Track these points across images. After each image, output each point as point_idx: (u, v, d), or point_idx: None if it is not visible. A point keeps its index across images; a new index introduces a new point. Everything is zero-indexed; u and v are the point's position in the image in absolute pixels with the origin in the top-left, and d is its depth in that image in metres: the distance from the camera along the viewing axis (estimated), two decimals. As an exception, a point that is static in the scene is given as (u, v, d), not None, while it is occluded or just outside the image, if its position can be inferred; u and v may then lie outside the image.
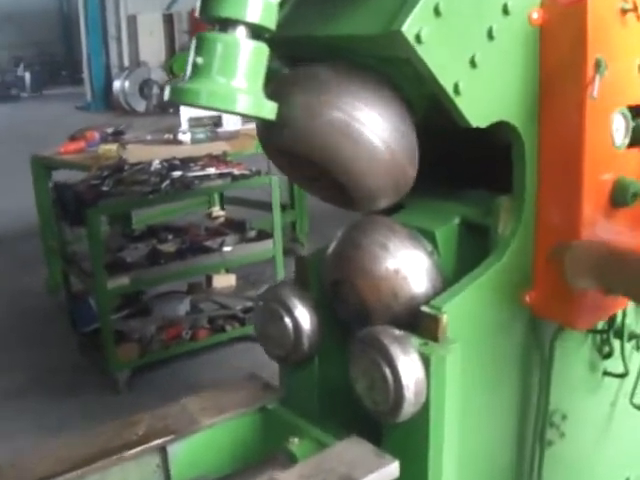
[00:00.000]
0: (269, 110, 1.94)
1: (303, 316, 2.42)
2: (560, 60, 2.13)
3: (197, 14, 1.90)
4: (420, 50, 1.88)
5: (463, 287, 2.19)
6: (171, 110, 13.29)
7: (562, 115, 2.16)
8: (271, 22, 1.92)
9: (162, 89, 14.64)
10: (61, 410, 4.69)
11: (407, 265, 2.23)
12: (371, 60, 2.13)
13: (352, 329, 2.36)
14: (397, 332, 2.11)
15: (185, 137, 6.08)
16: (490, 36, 2.00)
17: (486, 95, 2.06)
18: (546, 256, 2.28)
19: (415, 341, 2.11)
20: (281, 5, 2.11)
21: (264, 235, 5.29)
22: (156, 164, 5.14)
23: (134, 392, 4.87)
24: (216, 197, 6.43)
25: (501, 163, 2.30)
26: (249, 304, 5.40)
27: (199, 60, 1.85)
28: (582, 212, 2.20)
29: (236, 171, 5.06)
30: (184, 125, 6.36)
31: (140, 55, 18.68)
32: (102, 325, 4.80)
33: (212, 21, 1.91)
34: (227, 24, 1.88)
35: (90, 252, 4.62)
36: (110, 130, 6.36)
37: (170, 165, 5.17)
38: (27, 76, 24.64)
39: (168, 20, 19.13)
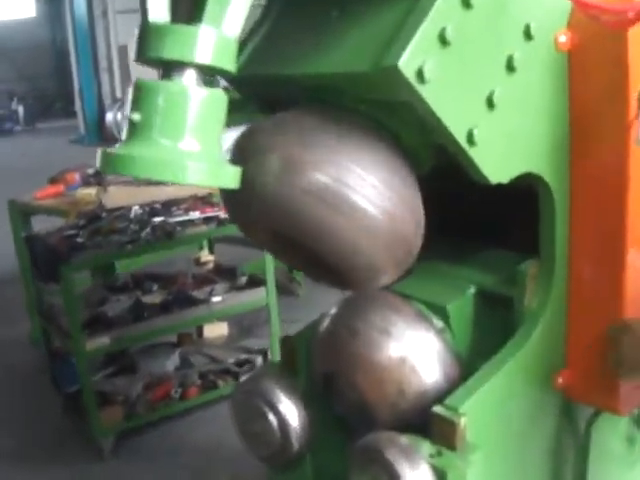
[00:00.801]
0: (230, 177, 1.50)
1: (290, 411, 2.01)
2: (594, 93, 1.74)
3: (134, 57, 1.48)
4: (423, 91, 1.45)
5: (483, 379, 1.77)
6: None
7: (599, 161, 1.77)
8: (228, 62, 1.49)
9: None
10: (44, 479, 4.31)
11: (414, 352, 1.81)
12: (361, 104, 1.71)
13: (350, 426, 1.95)
14: (403, 441, 1.69)
15: (170, 176, 5.68)
16: (510, 67, 1.59)
17: (507, 142, 1.64)
18: (592, 337, 1.87)
19: (426, 450, 1.69)
20: (249, 37, 1.72)
21: (256, 281, 4.86)
22: (136, 209, 4.72)
23: (121, 458, 4.44)
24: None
25: (524, 215, 1.89)
26: (243, 356, 5.01)
27: (135, 117, 1.42)
28: (625, 276, 1.82)
29: (222, 214, 4.63)
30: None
31: (132, 86, 18.37)
32: (83, 389, 4.38)
33: (153, 64, 1.50)
34: (171, 68, 1.46)
35: (66, 311, 4.19)
36: (91, 171, 5.93)
37: (151, 210, 4.75)
38: (20, 110, 24.51)
39: (159, 49, 18.81)
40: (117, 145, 1.45)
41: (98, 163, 1.45)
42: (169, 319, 4.56)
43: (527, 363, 1.84)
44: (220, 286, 4.89)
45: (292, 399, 2.01)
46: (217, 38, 1.44)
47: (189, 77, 1.46)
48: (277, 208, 1.62)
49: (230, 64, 1.50)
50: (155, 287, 4.92)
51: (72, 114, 21.62)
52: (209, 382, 4.82)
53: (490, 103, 1.56)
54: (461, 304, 1.95)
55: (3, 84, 25.85)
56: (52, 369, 5.02)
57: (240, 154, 1.65)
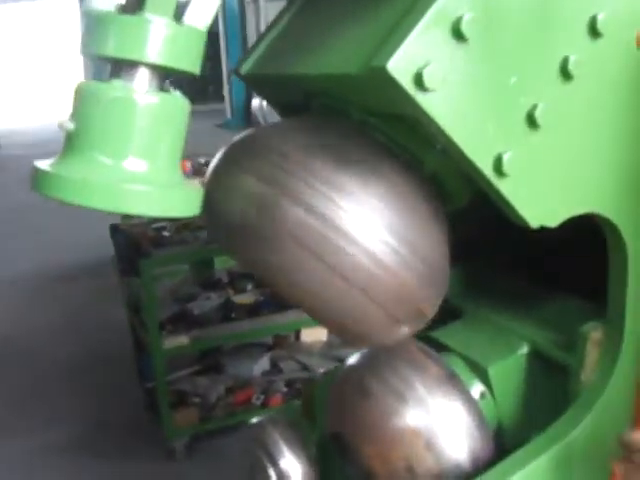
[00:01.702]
0: (189, 203, 1.19)
1: (292, 468, 1.68)
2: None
3: (78, 51, 1.18)
4: (424, 102, 1.07)
5: (513, 468, 1.39)
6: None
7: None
8: (187, 61, 1.20)
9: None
10: (113, 473, 4.21)
11: (432, 425, 1.45)
12: (371, 116, 1.33)
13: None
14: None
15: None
16: (565, 74, 1.20)
17: (556, 174, 1.24)
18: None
19: None
20: (267, 30, 1.43)
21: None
22: (235, 204, 4.49)
23: (193, 460, 4.27)
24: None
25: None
26: (334, 366, 4.68)
27: (69, 126, 1.13)
28: None
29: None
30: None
31: (280, 72, 18.38)
32: (157, 388, 4.20)
33: (104, 61, 1.21)
34: (120, 67, 1.17)
35: (145, 307, 4.00)
36: (203, 160, 5.77)
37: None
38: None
39: (310, 36, 18.76)
40: (51, 160, 1.16)
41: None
42: (256, 322, 4.35)
43: (575, 449, 1.44)
44: (318, 291, 4.59)
45: (297, 454, 1.68)
46: (170, 31, 1.14)
47: (140, 79, 1.16)
48: (245, 246, 1.29)
49: (190, 64, 1.21)
50: (250, 286, 4.68)
51: (223, 98, 21.82)
52: (295, 390, 4.54)
53: (531, 121, 1.17)
54: (507, 366, 1.56)
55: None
56: (137, 361, 4.88)
57: (212, 173, 1.34)
